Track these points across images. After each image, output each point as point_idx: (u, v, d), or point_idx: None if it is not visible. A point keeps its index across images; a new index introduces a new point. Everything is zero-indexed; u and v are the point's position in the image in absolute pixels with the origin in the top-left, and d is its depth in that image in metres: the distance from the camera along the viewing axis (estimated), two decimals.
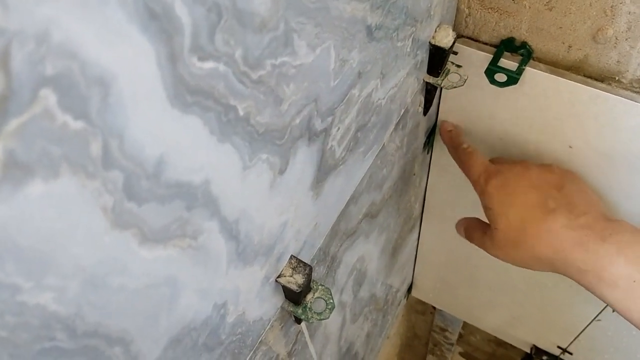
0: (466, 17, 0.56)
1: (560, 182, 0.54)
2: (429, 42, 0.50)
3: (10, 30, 0.15)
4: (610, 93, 0.52)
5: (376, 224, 0.61)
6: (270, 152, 0.30)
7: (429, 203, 0.83)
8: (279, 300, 0.42)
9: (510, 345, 1.11)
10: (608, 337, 0.86)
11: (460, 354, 1.51)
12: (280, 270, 0.39)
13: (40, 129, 0.17)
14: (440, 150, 0.71)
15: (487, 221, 0.57)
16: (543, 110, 0.57)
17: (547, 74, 0.54)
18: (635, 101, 0.51)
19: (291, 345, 0.50)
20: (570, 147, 0.59)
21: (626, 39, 0.49)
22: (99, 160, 0.19)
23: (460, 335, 1.40)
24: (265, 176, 0.31)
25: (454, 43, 0.50)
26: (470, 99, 0.61)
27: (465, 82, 0.54)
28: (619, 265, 0.46)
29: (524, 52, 0.55)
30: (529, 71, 0.54)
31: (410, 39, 0.45)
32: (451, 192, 0.77)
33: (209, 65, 0.23)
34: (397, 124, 0.52)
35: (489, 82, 0.55)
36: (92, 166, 0.19)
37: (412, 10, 0.42)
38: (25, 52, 0.15)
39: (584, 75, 0.54)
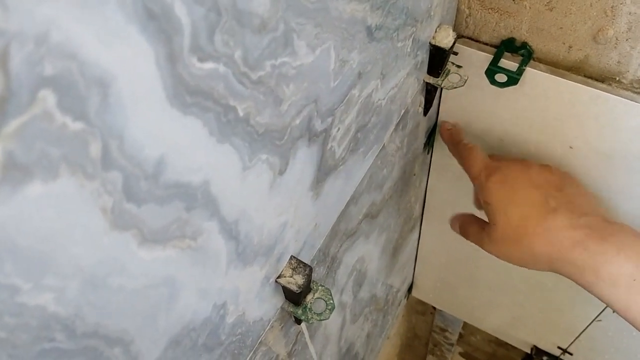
0: (466, 17, 0.55)
1: (560, 183, 0.54)
2: (429, 43, 0.50)
3: (9, 30, 0.15)
4: (611, 93, 0.52)
5: (376, 224, 0.61)
6: (270, 153, 0.30)
7: (429, 203, 0.83)
8: (278, 300, 0.42)
9: (511, 345, 1.11)
10: (608, 337, 0.86)
11: (461, 354, 1.51)
12: (280, 271, 0.39)
13: (40, 130, 0.17)
14: (440, 150, 0.71)
15: (484, 218, 0.57)
16: (543, 110, 0.57)
17: (547, 74, 0.54)
18: (636, 102, 0.51)
19: (291, 345, 0.50)
20: (570, 147, 0.59)
21: (626, 40, 0.49)
22: (98, 161, 0.19)
23: (461, 336, 1.40)
24: (265, 176, 0.31)
25: (454, 43, 0.50)
26: (471, 99, 0.61)
27: (465, 82, 0.54)
28: (619, 263, 0.46)
29: (525, 53, 0.54)
30: (530, 71, 0.54)
31: (411, 40, 0.45)
32: (451, 193, 0.77)
33: (208, 65, 0.23)
34: (398, 124, 0.52)
35: (489, 83, 0.55)
36: (91, 167, 0.19)
37: (412, 10, 0.42)
38: (24, 53, 0.15)
39: (585, 76, 0.54)
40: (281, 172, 0.33)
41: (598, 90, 0.52)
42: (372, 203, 0.56)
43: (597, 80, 0.53)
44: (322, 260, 0.48)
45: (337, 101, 0.36)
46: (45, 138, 0.17)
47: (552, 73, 0.54)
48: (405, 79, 0.48)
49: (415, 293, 1.12)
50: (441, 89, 0.56)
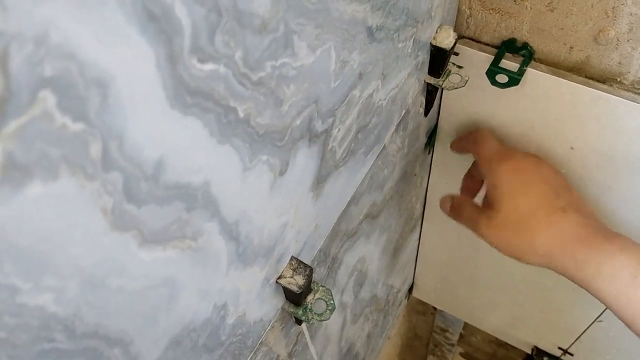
0: (467, 18, 0.55)
1: (567, 185, 0.54)
2: (430, 43, 0.50)
3: (8, 31, 0.15)
4: (612, 94, 0.52)
5: (377, 224, 0.61)
6: (270, 154, 0.30)
7: (430, 203, 0.83)
8: (279, 301, 0.42)
9: (511, 346, 1.10)
10: (609, 338, 0.86)
11: (461, 354, 1.51)
12: (281, 272, 0.39)
13: (40, 130, 0.17)
14: (441, 151, 0.71)
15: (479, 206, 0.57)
16: (544, 111, 0.57)
17: (548, 75, 0.54)
18: (637, 102, 0.51)
19: (292, 346, 0.50)
20: (571, 148, 0.59)
21: (627, 40, 0.49)
22: (98, 162, 0.19)
23: (461, 336, 1.40)
24: (266, 177, 0.31)
25: (455, 44, 0.50)
26: (472, 100, 0.61)
27: (466, 83, 0.54)
28: (622, 260, 0.46)
29: (525, 53, 0.54)
30: (530, 72, 0.54)
31: (411, 40, 0.45)
32: (452, 193, 0.77)
33: (209, 66, 0.23)
34: (398, 124, 0.52)
35: (490, 83, 0.55)
36: (91, 167, 0.19)
37: (413, 11, 0.42)
38: (24, 54, 0.15)
39: (586, 77, 0.54)
40: (282, 173, 0.33)
41: (599, 91, 0.52)
42: (372, 203, 0.56)
43: (598, 81, 0.53)
44: (323, 261, 0.48)
45: (338, 102, 0.36)
46: (45, 138, 0.17)
47: (553, 74, 0.54)
48: (406, 79, 0.48)
49: (415, 293, 1.12)
50: (442, 89, 0.56)
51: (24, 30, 0.15)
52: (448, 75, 0.55)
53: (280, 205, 0.35)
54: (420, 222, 0.88)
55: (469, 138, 0.61)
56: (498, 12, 0.53)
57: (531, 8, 0.51)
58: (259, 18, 0.25)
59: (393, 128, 0.51)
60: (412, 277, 1.06)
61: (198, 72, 0.22)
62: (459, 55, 0.56)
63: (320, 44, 0.31)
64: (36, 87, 0.16)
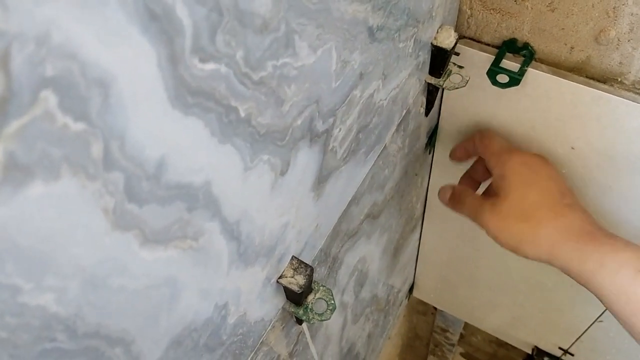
0: (468, 18, 0.55)
1: (570, 188, 0.55)
2: (431, 43, 0.50)
3: (10, 31, 0.15)
4: (613, 94, 0.52)
5: (378, 224, 0.61)
6: (271, 153, 0.30)
7: (431, 203, 0.83)
8: (280, 301, 0.42)
9: (512, 346, 1.10)
10: (610, 338, 0.86)
11: (462, 354, 1.51)
12: (282, 271, 0.39)
13: (41, 130, 0.17)
14: (442, 150, 0.71)
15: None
16: (545, 111, 0.57)
17: (549, 75, 0.54)
18: (637, 102, 0.51)
19: (292, 345, 0.50)
20: (572, 148, 0.59)
21: (628, 40, 0.49)
22: (99, 162, 0.19)
23: (462, 336, 1.40)
24: (267, 177, 0.31)
25: (455, 44, 0.50)
26: (472, 100, 0.61)
27: (467, 83, 0.54)
28: (626, 255, 0.46)
29: (526, 53, 0.54)
30: (531, 72, 0.54)
31: (412, 40, 0.45)
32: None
33: (210, 66, 0.23)
34: (399, 124, 0.52)
35: (490, 83, 0.55)
36: (92, 167, 0.19)
37: (414, 11, 0.42)
38: (25, 54, 0.15)
39: (586, 77, 0.54)
40: (282, 173, 0.33)
41: (600, 91, 0.52)
42: (373, 203, 0.56)
43: (598, 81, 0.53)
44: (324, 261, 0.48)
45: (339, 102, 0.36)
46: (47, 138, 0.17)
47: (553, 74, 0.54)
48: (407, 79, 0.48)
49: (416, 293, 1.12)
50: (443, 89, 0.56)
51: (25, 30, 0.15)
52: (449, 75, 0.55)
53: (281, 205, 0.35)
54: (420, 222, 0.88)
55: (474, 138, 0.61)
56: (499, 12, 0.53)
57: (532, 8, 0.51)
58: (260, 18, 0.25)
59: (394, 128, 0.51)
60: (412, 277, 1.06)
61: (199, 72, 0.22)
62: (460, 55, 0.56)
63: (321, 43, 0.31)
64: (37, 87, 0.16)
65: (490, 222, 0.54)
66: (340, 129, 0.38)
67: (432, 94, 0.57)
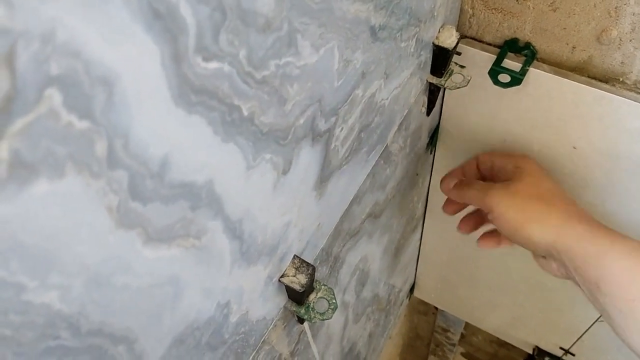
0: (470, 17, 0.55)
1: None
2: (433, 43, 0.50)
3: (15, 29, 0.15)
4: (615, 94, 0.52)
5: (379, 224, 0.61)
6: (273, 152, 0.30)
7: (432, 203, 0.83)
8: (282, 300, 0.42)
9: (512, 346, 1.10)
10: (611, 338, 0.86)
11: (462, 354, 1.51)
12: (284, 270, 0.39)
13: (46, 128, 0.17)
14: (443, 150, 0.71)
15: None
16: (547, 111, 0.57)
17: (550, 74, 0.54)
18: (639, 102, 0.51)
19: (294, 345, 0.50)
20: (574, 147, 0.59)
21: (630, 40, 0.49)
22: (103, 160, 0.19)
23: (462, 336, 1.40)
24: (269, 176, 0.31)
25: (457, 43, 0.50)
26: (474, 99, 0.61)
27: (468, 82, 0.54)
28: (634, 242, 0.47)
29: (528, 53, 0.54)
30: (533, 72, 0.54)
31: (414, 40, 0.45)
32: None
33: (213, 65, 0.23)
34: (401, 124, 0.52)
35: (492, 83, 0.55)
36: (97, 166, 0.19)
37: (416, 10, 0.42)
38: (30, 52, 0.15)
39: (588, 76, 0.54)
40: (285, 172, 0.33)
41: (602, 91, 0.52)
42: (375, 203, 0.56)
43: (600, 80, 0.53)
44: (325, 260, 0.48)
45: (341, 101, 0.36)
46: (51, 137, 0.17)
47: (555, 73, 0.54)
48: (409, 79, 0.48)
49: (417, 293, 1.12)
50: (444, 89, 0.56)
51: (30, 28, 0.15)
52: (450, 75, 0.55)
53: (284, 204, 0.35)
54: (421, 222, 0.88)
55: (474, 159, 0.62)
56: (500, 11, 0.53)
57: (534, 8, 0.51)
58: (262, 17, 0.25)
59: (395, 127, 0.51)
60: (413, 277, 1.06)
61: (202, 71, 0.23)
62: (462, 55, 0.56)
63: (324, 43, 0.31)
64: (42, 85, 0.16)
65: (501, 198, 0.53)
66: (342, 128, 0.38)
67: (433, 93, 0.57)
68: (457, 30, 0.50)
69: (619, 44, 0.50)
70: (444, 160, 0.73)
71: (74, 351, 0.22)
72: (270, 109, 0.28)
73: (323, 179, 0.39)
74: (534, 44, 0.54)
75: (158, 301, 0.26)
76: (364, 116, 0.41)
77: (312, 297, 0.43)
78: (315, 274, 0.41)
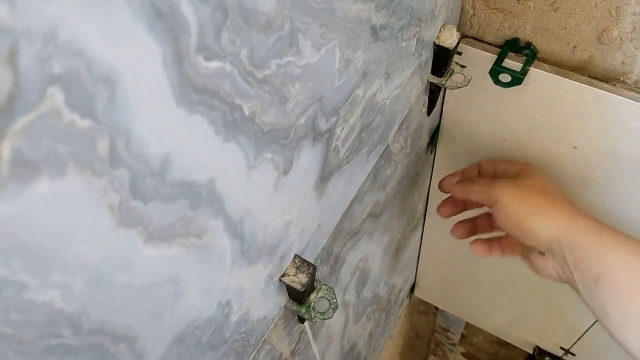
0: (471, 17, 0.55)
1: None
2: (434, 42, 0.50)
3: (18, 28, 0.15)
4: (615, 94, 0.52)
5: (380, 223, 0.61)
6: (274, 152, 0.31)
7: (432, 203, 0.83)
8: (282, 299, 0.42)
9: (513, 345, 1.10)
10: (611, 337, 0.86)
11: (463, 354, 1.51)
12: (284, 270, 0.39)
13: (48, 127, 0.17)
14: (443, 150, 0.71)
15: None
16: (547, 110, 0.57)
17: (551, 74, 0.54)
18: None
19: (294, 344, 0.50)
20: (574, 147, 0.59)
21: (631, 40, 0.49)
22: (105, 159, 0.20)
23: (463, 336, 1.40)
24: (270, 175, 0.31)
25: (458, 43, 0.50)
26: (475, 99, 0.61)
27: (469, 82, 0.54)
28: (633, 241, 0.47)
29: (529, 53, 0.54)
30: (534, 72, 0.54)
31: (415, 39, 0.45)
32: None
33: (215, 64, 0.23)
34: (401, 124, 0.52)
35: (493, 83, 0.55)
36: (98, 164, 0.19)
37: (417, 10, 0.42)
38: (33, 51, 0.16)
39: (589, 76, 0.54)
40: (286, 171, 0.33)
41: (602, 91, 0.52)
42: (375, 202, 0.56)
43: (601, 80, 0.53)
44: (326, 260, 0.48)
45: (342, 100, 0.36)
46: (53, 135, 0.17)
47: (556, 73, 0.54)
48: (410, 78, 0.48)
49: (417, 293, 1.12)
50: (445, 88, 0.56)
51: (33, 27, 0.15)
52: (451, 75, 0.55)
53: (284, 204, 0.35)
54: (422, 222, 0.88)
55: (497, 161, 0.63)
56: (501, 11, 0.53)
57: (534, 7, 0.51)
58: (264, 16, 0.25)
59: (396, 127, 0.51)
60: (413, 276, 1.06)
61: (204, 70, 0.23)
62: (462, 55, 0.56)
63: (325, 42, 0.31)
64: (45, 84, 0.16)
65: (507, 190, 0.53)
66: (343, 128, 0.38)
67: (434, 93, 0.58)
68: (458, 30, 0.50)
69: (620, 44, 0.50)
70: (445, 160, 0.73)
71: (75, 350, 0.22)
72: (272, 109, 0.28)
73: (324, 178, 0.39)
74: (534, 43, 0.54)
75: (159, 300, 0.26)
76: (365, 116, 0.41)
77: (312, 296, 0.43)
78: (316, 273, 0.41)
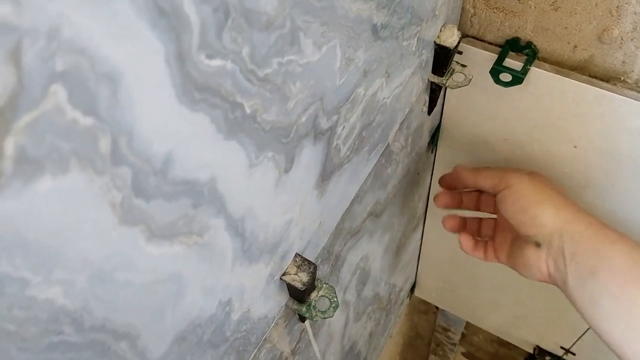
0: (471, 16, 0.56)
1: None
2: (434, 42, 0.50)
3: (22, 26, 0.15)
4: (616, 93, 0.52)
5: (380, 223, 0.61)
6: (276, 150, 0.31)
7: (433, 202, 0.83)
8: (283, 298, 0.42)
9: (513, 345, 1.10)
10: None
11: (463, 354, 1.51)
12: (285, 268, 0.39)
13: (51, 124, 0.17)
14: (444, 149, 0.72)
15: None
16: (548, 110, 0.57)
17: (552, 74, 0.54)
18: None
19: (295, 343, 0.51)
20: (575, 147, 0.59)
21: (631, 39, 0.49)
22: (107, 156, 0.20)
23: (463, 335, 1.40)
24: (271, 174, 0.31)
25: (458, 43, 0.51)
26: (475, 98, 0.61)
27: (469, 81, 0.54)
28: (632, 241, 0.47)
29: (529, 52, 0.55)
30: (534, 71, 0.54)
31: (416, 39, 0.45)
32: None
33: (216, 63, 0.23)
34: (402, 123, 0.52)
35: (493, 82, 0.55)
36: (101, 162, 0.19)
37: (418, 9, 0.42)
38: (36, 48, 0.16)
39: (589, 76, 0.54)
40: (287, 170, 0.33)
41: (603, 90, 0.52)
42: (376, 202, 0.56)
43: (602, 80, 0.53)
44: (327, 259, 0.48)
45: (343, 99, 0.36)
46: (56, 133, 0.17)
47: (556, 73, 0.54)
48: (410, 77, 0.48)
49: (417, 292, 1.12)
50: (445, 88, 0.56)
51: (36, 25, 0.15)
52: (452, 74, 0.55)
53: (285, 203, 0.35)
54: (422, 221, 0.88)
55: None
56: (502, 11, 0.53)
57: (535, 7, 0.51)
58: (265, 15, 0.25)
59: (397, 126, 0.51)
60: (414, 276, 1.06)
61: (206, 68, 0.23)
62: (463, 54, 0.56)
63: (326, 41, 0.31)
64: (48, 81, 0.16)
65: (522, 176, 0.54)
66: (344, 127, 0.38)
67: (434, 92, 0.58)
68: (458, 30, 0.51)
69: (620, 43, 0.50)
70: (445, 160, 0.73)
71: (77, 347, 0.22)
72: (273, 107, 0.28)
73: (324, 177, 0.39)
74: (535, 43, 0.54)
75: (160, 298, 0.26)
76: (366, 115, 0.41)
77: (313, 295, 0.43)
78: (317, 272, 0.41)
